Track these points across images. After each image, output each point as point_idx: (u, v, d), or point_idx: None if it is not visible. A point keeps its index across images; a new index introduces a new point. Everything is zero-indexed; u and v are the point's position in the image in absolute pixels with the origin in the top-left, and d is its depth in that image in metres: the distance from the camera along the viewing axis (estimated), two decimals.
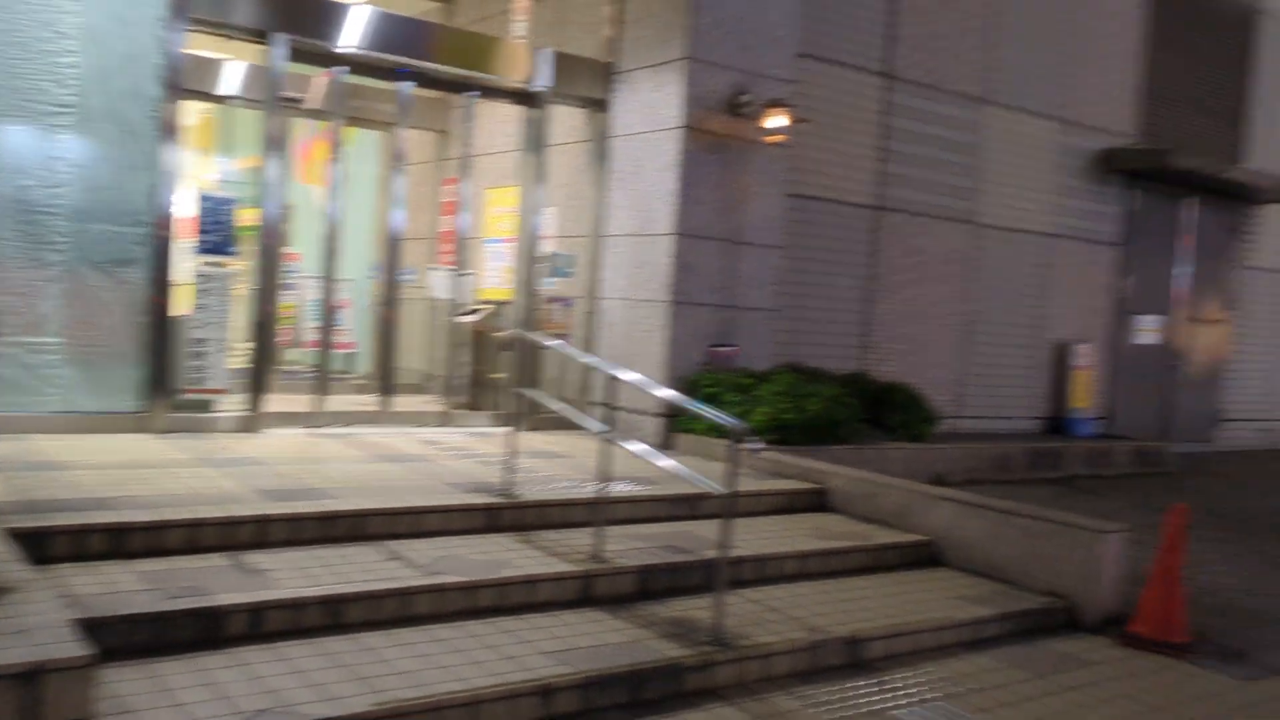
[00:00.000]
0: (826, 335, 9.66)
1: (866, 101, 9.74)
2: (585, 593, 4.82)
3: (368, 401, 8.41)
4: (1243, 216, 13.37)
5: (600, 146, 8.80)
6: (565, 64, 8.56)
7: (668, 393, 5.40)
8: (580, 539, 5.29)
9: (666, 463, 5.05)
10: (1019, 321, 11.20)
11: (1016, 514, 5.89)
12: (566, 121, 8.96)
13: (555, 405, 6.12)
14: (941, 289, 10.48)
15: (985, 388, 10.96)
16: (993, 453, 9.58)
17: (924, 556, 6.15)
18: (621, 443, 5.22)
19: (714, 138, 8.23)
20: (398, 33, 7.89)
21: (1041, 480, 9.67)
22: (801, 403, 7.83)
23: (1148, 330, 12.45)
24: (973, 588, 5.66)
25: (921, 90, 10.10)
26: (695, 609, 4.74)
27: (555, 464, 6.97)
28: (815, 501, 6.85)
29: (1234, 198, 13.06)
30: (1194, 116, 12.72)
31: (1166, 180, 12.13)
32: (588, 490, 5.92)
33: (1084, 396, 11.52)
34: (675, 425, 8.05)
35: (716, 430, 7.24)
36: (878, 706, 4.17)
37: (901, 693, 4.34)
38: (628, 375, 5.37)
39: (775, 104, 8.31)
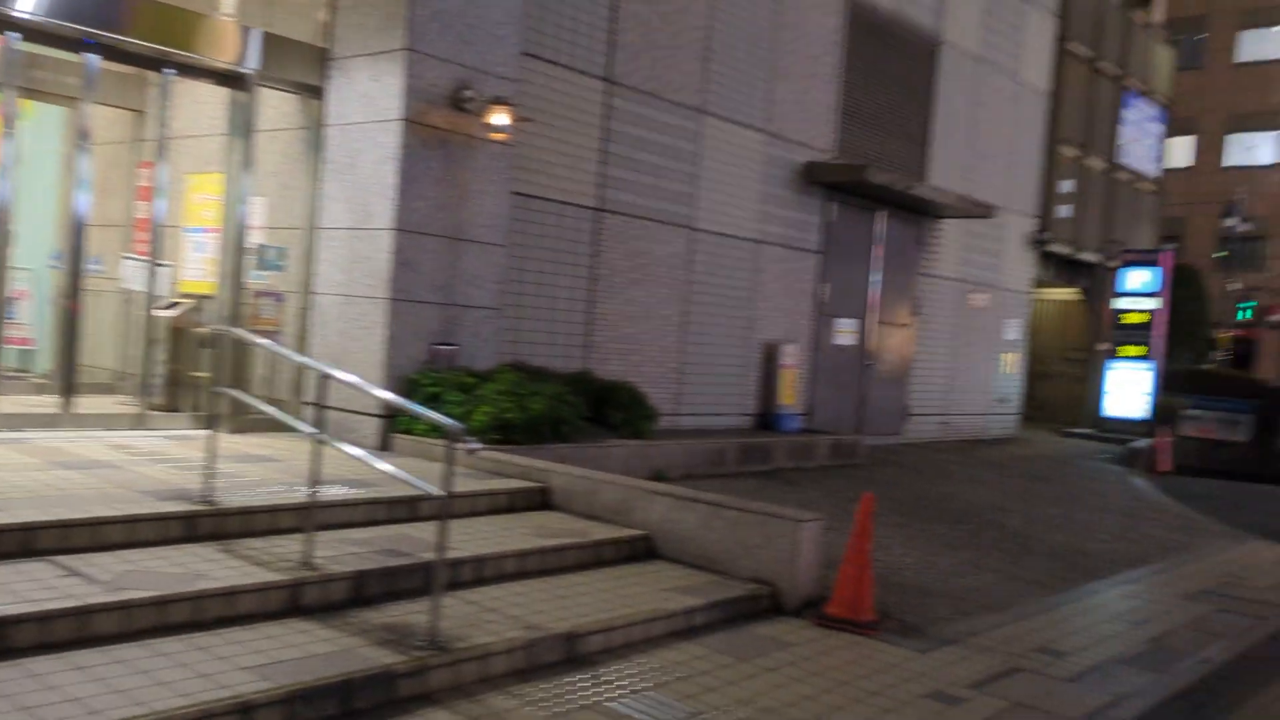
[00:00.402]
0: (550, 334, 9.74)
1: (589, 105, 9.91)
2: (293, 602, 4.59)
3: (47, 403, 7.61)
4: (926, 229, 14.73)
5: (315, 135, 8.43)
6: (276, 46, 8.12)
7: (385, 393, 5.25)
8: (289, 546, 5.03)
9: (384, 465, 4.91)
10: (732, 323, 11.77)
11: (725, 506, 6.17)
12: (278, 107, 8.51)
13: (263, 406, 5.79)
14: (661, 291, 10.84)
15: (702, 386, 11.45)
16: (708, 448, 10.01)
17: (641, 550, 6.32)
18: (337, 445, 5.01)
19: (436, 132, 8.08)
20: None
21: (752, 473, 10.20)
22: (525, 402, 7.84)
23: (845, 332, 13.46)
24: (685, 579, 5.87)
25: (642, 97, 10.39)
26: (412, 613, 4.62)
27: (264, 468, 6.60)
28: (538, 500, 6.88)
29: (919, 212, 14.36)
30: (886, 136, 13.88)
31: (861, 194, 13.16)
32: (298, 495, 5.64)
33: (790, 394, 12.28)
34: (395, 426, 7.84)
35: (437, 431, 7.11)
36: (592, 700, 4.23)
37: (615, 685, 4.43)
38: (343, 375, 5.17)
39: (498, 101, 8.28)
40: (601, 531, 6.31)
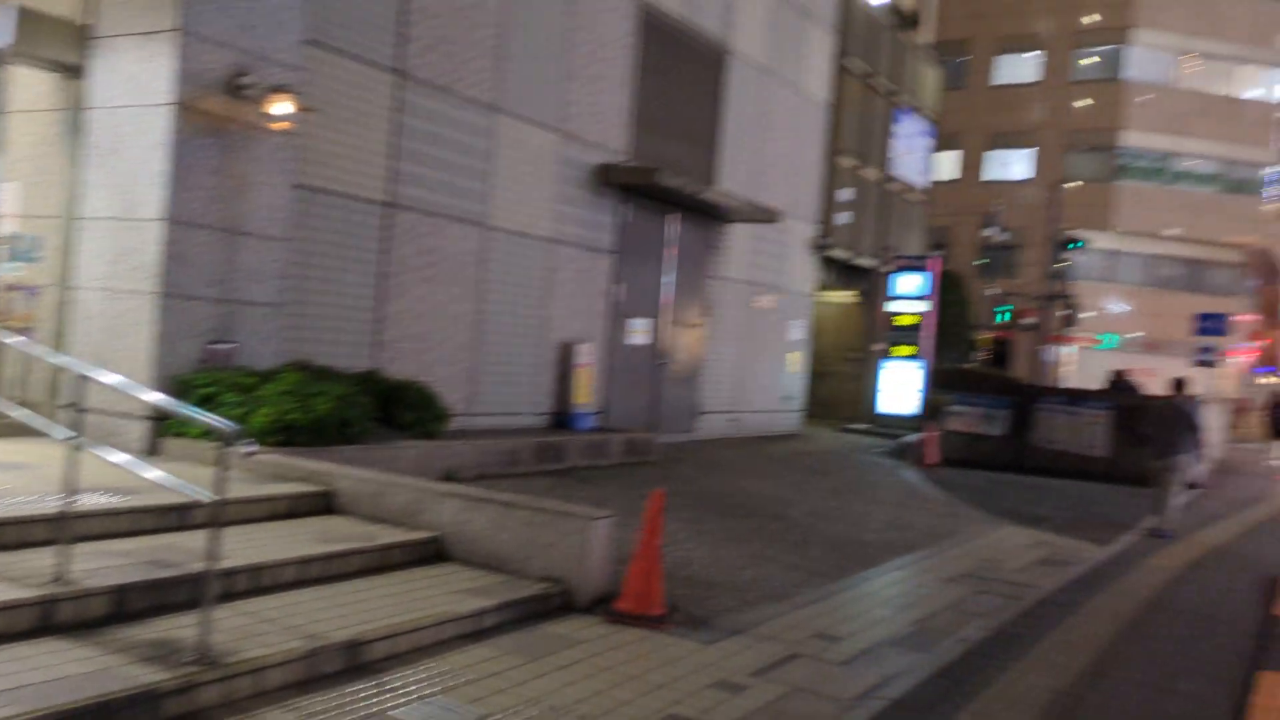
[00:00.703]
0: (338, 333, 9.42)
1: (379, 98, 9.64)
2: (45, 621, 4.24)
3: None
4: (716, 233, 15.18)
5: (75, 118, 7.82)
6: (30, 20, 7.47)
7: (153, 395, 4.94)
8: (41, 560, 4.63)
9: (152, 471, 4.61)
10: (527, 322, 11.75)
11: (517, 505, 6.15)
12: (32, 86, 7.84)
13: (12, 410, 5.32)
14: (454, 289, 10.68)
15: (497, 385, 11.36)
16: (503, 448, 9.95)
17: (431, 553, 6.20)
18: (101, 451, 4.66)
19: (212, 119, 7.66)
20: None
21: (547, 472, 10.21)
22: (309, 402, 7.55)
23: (639, 332, 13.69)
24: (476, 580, 5.81)
25: (435, 92, 10.21)
26: (180, 628, 4.36)
27: (13, 476, 6.06)
28: (321, 504, 6.64)
29: (709, 216, 14.78)
30: (677, 140, 14.21)
31: (654, 196, 13.42)
32: (51, 505, 5.20)
33: (585, 393, 12.38)
34: (165, 429, 7.38)
35: (212, 434, 6.74)
36: (376, 708, 4.12)
37: (401, 692, 4.33)
38: (105, 375, 4.81)
39: (280, 89, 7.92)
40: (389, 535, 6.15)
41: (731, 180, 15.29)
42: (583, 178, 12.42)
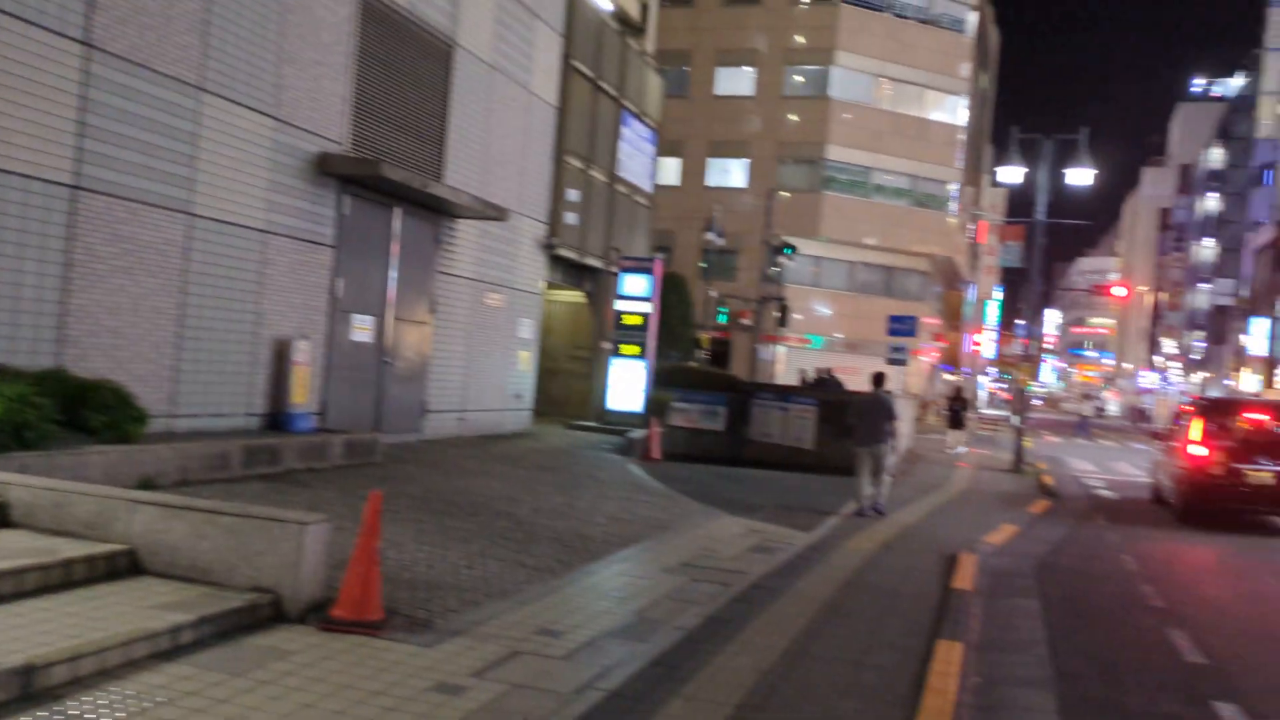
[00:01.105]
0: (13, 327, 8.46)
1: (63, 69, 8.75)
2: None
3: None
4: (444, 229, 14.94)
5: None
6: None
7: None
8: None
9: None
10: (239, 317, 11.06)
11: (221, 512, 5.76)
12: None
13: None
14: (155, 280, 9.88)
15: (205, 384, 10.62)
16: (210, 451, 9.30)
17: (123, 567, 5.71)
18: None
19: None
20: None
21: (260, 476, 9.65)
22: None
23: (361, 329, 13.23)
24: (175, 594, 5.39)
25: (130, 67, 9.39)
26: None
27: None
28: None
29: (436, 211, 14.51)
30: (403, 133, 13.85)
31: (378, 189, 13.01)
32: None
33: (302, 392, 11.80)
34: None
35: None
36: None
37: (82, 719, 3.94)
38: None
39: None
40: (73, 549, 5.60)
41: (459, 176, 15.10)
42: (301, 167, 11.84)
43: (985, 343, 67.62)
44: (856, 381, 32.39)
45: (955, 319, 52.69)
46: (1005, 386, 60.79)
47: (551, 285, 19.76)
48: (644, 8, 24.61)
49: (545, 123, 18.09)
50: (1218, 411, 16.78)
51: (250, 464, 9.75)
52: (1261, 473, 14.93)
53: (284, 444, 10.42)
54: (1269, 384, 46.97)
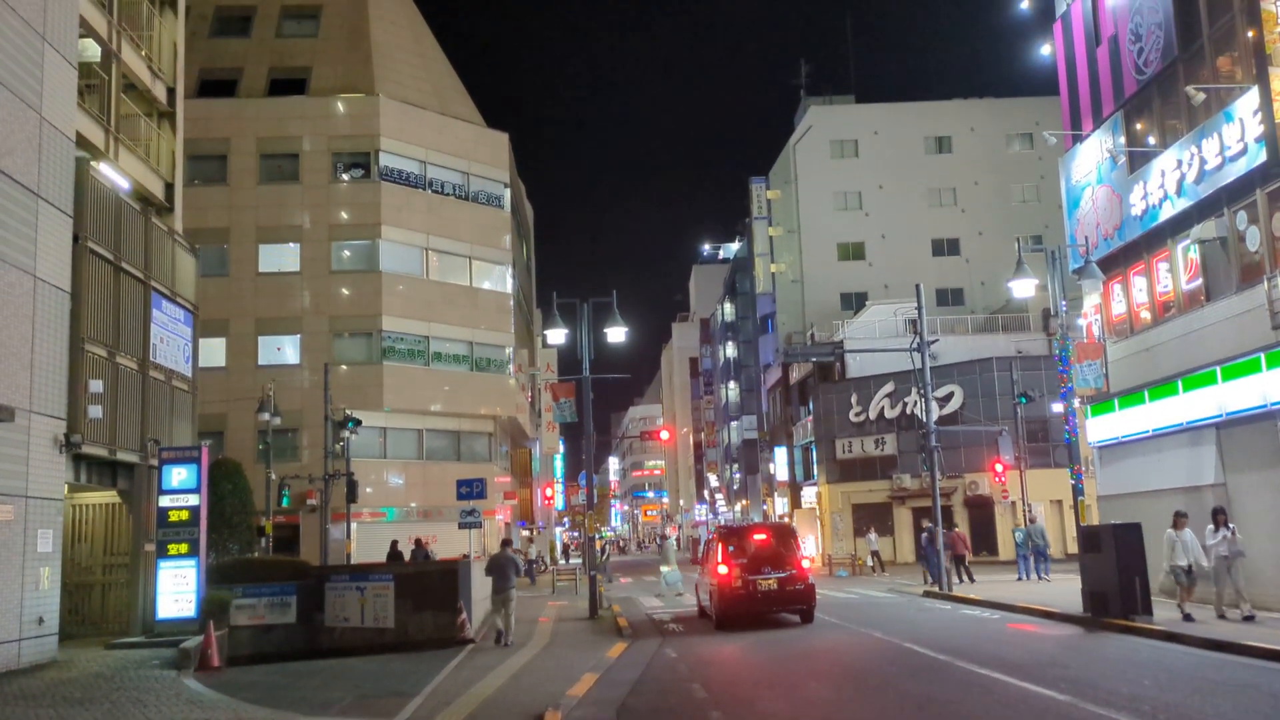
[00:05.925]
0: None
1: None
2: None
3: None
4: None
5: None
6: None
7: None
8: None
9: None
10: None
11: None
12: None
13: None
14: None
15: None
16: None
17: None
18: None
19: None
20: None
21: None
22: None
23: None
24: None
25: None
26: None
27: None
28: None
29: None
30: None
31: None
32: None
33: None
34: None
35: None
36: None
37: None
38: None
39: None
40: None
41: None
42: None
43: (556, 495, 70.10)
44: (448, 548, 31.97)
45: (526, 475, 54.17)
46: (576, 535, 63.09)
47: (77, 488, 17.56)
48: (168, 186, 23.48)
49: (58, 310, 16.36)
50: (734, 536, 20.28)
51: None
52: (768, 580, 18.72)
53: None
54: (795, 504, 53.12)
